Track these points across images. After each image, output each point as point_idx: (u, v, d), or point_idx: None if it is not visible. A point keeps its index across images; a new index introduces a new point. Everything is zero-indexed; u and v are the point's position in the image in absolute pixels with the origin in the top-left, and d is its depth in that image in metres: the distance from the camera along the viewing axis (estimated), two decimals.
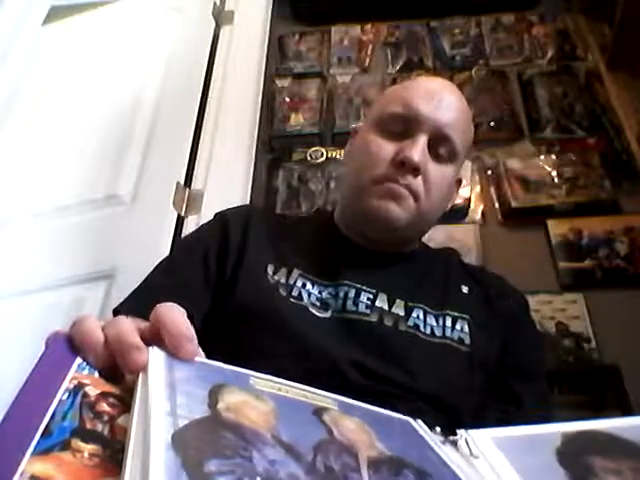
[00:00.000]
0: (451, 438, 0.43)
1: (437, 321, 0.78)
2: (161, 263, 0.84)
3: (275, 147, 1.65)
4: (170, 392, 0.32)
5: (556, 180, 1.46)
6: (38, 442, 0.29)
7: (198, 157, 1.54)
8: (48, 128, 1.70)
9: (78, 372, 0.35)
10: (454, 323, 0.78)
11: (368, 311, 0.76)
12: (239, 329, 0.74)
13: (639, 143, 1.47)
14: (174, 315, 0.38)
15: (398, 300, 0.78)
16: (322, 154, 1.60)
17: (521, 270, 1.28)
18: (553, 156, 1.50)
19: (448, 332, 0.77)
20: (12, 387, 0.31)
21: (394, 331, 0.75)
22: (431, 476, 0.36)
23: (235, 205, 0.97)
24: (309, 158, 1.60)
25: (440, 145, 0.79)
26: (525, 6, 1.83)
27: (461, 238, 1.39)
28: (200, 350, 0.40)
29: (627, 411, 1.15)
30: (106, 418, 0.33)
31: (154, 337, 0.37)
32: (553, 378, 1.18)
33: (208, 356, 0.41)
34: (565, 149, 1.51)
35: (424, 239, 0.93)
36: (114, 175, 1.52)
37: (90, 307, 1.31)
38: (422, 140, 0.78)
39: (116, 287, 1.31)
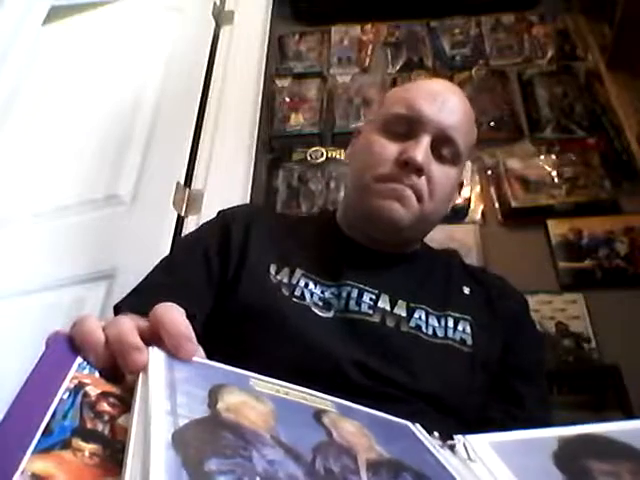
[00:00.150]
0: (449, 442, 0.43)
1: (439, 322, 0.78)
2: (163, 261, 0.84)
3: (275, 147, 1.65)
4: (170, 392, 0.33)
5: (556, 180, 1.46)
6: (39, 441, 0.29)
7: (198, 157, 1.54)
8: (48, 128, 1.70)
9: (78, 372, 0.35)
10: (456, 324, 0.79)
11: (371, 311, 0.76)
12: (242, 328, 0.74)
13: (639, 143, 1.47)
14: (173, 315, 0.38)
15: (400, 301, 0.78)
16: (322, 154, 1.60)
17: (521, 270, 1.28)
18: (553, 156, 1.50)
19: (450, 333, 0.77)
20: (12, 387, 0.31)
21: (396, 332, 0.75)
22: (430, 479, 0.36)
23: (235, 205, 0.97)
24: (309, 158, 1.60)
25: (443, 146, 0.79)
26: (525, 6, 1.83)
27: (461, 238, 1.39)
28: (200, 349, 0.40)
29: (627, 411, 1.15)
30: (106, 418, 0.33)
31: (153, 337, 0.38)
32: (553, 378, 1.18)
33: (211, 355, 0.41)
34: (565, 149, 1.51)
35: (425, 239, 0.93)
36: (114, 175, 1.52)
37: (90, 307, 1.31)
38: (425, 141, 0.78)
39: (116, 287, 1.31)
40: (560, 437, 0.41)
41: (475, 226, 1.43)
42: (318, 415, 0.38)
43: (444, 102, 0.80)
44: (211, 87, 1.67)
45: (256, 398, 0.37)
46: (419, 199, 0.78)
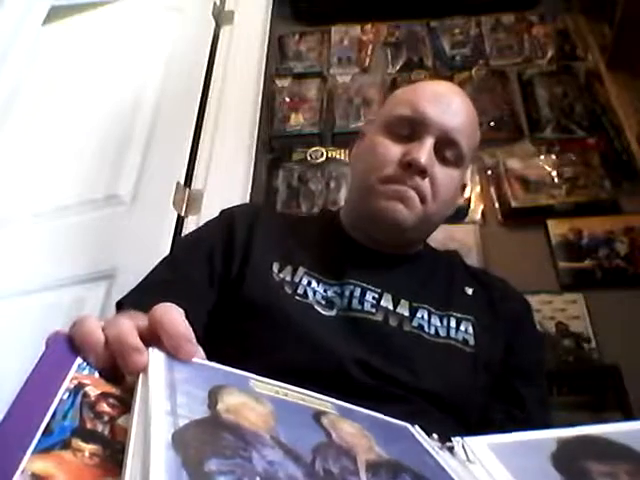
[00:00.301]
0: (448, 444, 0.43)
1: (441, 322, 0.78)
2: (166, 259, 0.85)
3: (275, 147, 1.65)
4: (170, 392, 0.33)
5: (556, 180, 1.46)
6: (39, 440, 0.29)
7: (198, 157, 1.54)
8: (48, 128, 1.70)
9: (78, 372, 0.35)
10: (458, 324, 0.79)
11: (374, 310, 0.76)
12: (244, 326, 0.74)
13: (639, 143, 1.47)
14: (172, 315, 0.38)
15: (403, 300, 0.78)
16: (322, 154, 1.60)
17: (521, 270, 1.28)
18: (553, 156, 1.50)
19: (452, 333, 0.78)
20: (12, 387, 0.31)
21: (399, 331, 0.75)
22: None
23: (237, 204, 0.97)
24: (309, 158, 1.60)
25: (447, 149, 0.80)
26: (525, 6, 1.83)
27: (461, 238, 1.39)
28: (200, 350, 0.40)
29: (627, 411, 1.15)
30: (106, 418, 0.33)
31: (153, 337, 0.37)
32: (553, 378, 1.18)
33: (211, 354, 0.41)
34: (565, 149, 1.51)
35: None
36: (114, 175, 1.52)
37: (90, 307, 1.31)
38: (429, 143, 0.78)
39: (116, 287, 1.31)
40: (558, 438, 0.41)
41: (475, 226, 1.43)
42: (317, 416, 0.38)
43: (448, 104, 0.81)
44: (211, 87, 1.67)
45: (256, 399, 0.37)
46: (422, 200, 0.78)
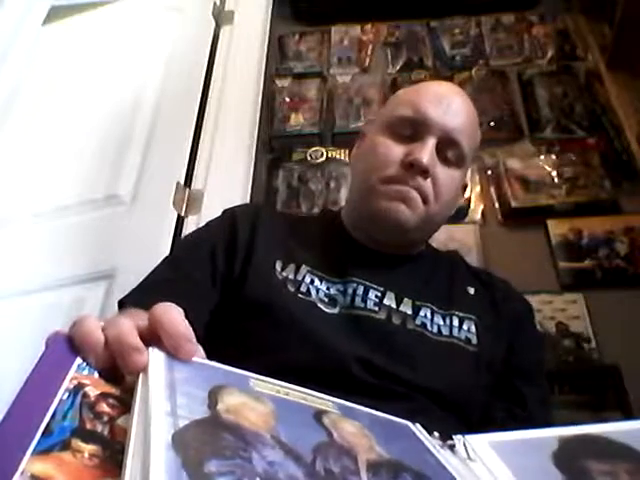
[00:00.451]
0: (449, 442, 0.43)
1: (444, 320, 0.79)
2: (167, 258, 0.85)
3: (275, 147, 1.65)
4: (170, 393, 0.32)
5: (556, 180, 1.46)
6: (39, 441, 0.29)
7: (198, 157, 1.54)
8: (48, 128, 1.70)
9: (78, 372, 0.35)
10: (461, 323, 0.79)
11: (376, 308, 0.76)
12: (247, 325, 0.74)
13: (639, 143, 1.47)
14: (172, 315, 0.38)
15: (406, 299, 0.79)
16: (322, 154, 1.60)
17: (521, 270, 1.28)
18: (553, 156, 1.50)
19: (455, 332, 0.78)
20: (12, 387, 0.31)
21: (402, 329, 0.76)
22: (430, 479, 0.36)
23: (235, 205, 0.97)
24: (309, 158, 1.60)
25: (448, 149, 0.80)
26: (525, 6, 1.83)
27: (461, 238, 1.39)
28: (200, 349, 0.40)
29: (627, 411, 1.15)
30: (106, 419, 0.33)
31: (153, 337, 0.37)
32: (553, 378, 1.18)
33: (211, 354, 0.41)
34: (565, 149, 1.51)
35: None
36: (114, 175, 1.52)
37: (90, 307, 1.31)
38: (431, 143, 0.78)
39: (116, 287, 1.31)
40: (559, 437, 0.41)
41: (475, 226, 1.43)
42: (318, 415, 0.38)
43: (449, 104, 0.81)
44: (211, 87, 1.67)
45: (256, 399, 0.37)
46: (424, 201, 0.78)
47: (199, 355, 0.39)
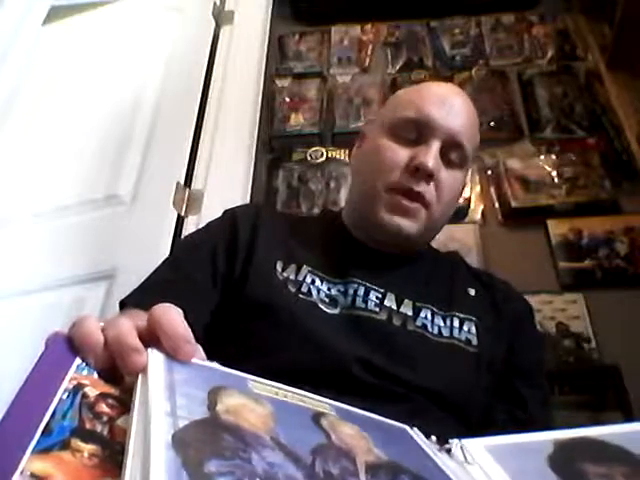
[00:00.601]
0: (446, 446, 0.43)
1: (444, 321, 0.79)
2: (168, 259, 0.85)
3: (275, 147, 1.65)
4: (169, 393, 0.32)
5: (556, 180, 1.46)
6: (38, 440, 0.29)
7: (198, 157, 1.54)
8: (48, 128, 1.70)
9: (77, 373, 0.35)
10: (461, 324, 0.79)
11: (377, 309, 0.76)
12: (247, 325, 0.74)
13: (639, 143, 1.47)
14: (171, 316, 0.38)
15: (406, 300, 0.79)
16: (322, 154, 1.60)
17: (521, 270, 1.28)
18: (553, 156, 1.50)
19: (456, 333, 0.78)
20: (12, 387, 0.31)
21: (402, 330, 0.76)
22: None
23: (235, 205, 0.97)
24: (309, 158, 1.60)
25: (452, 151, 0.80)
26: (525, 6, 1.83)
27: (461, 238, 1.39)
28: (200, 350, 0.40)
29: (627, 411, 1.15)
30: (105, 419, 0.33)
31: (152, 338, 0.37)
32: (553, 378, 1.18)
33: (216, 352, 0.41)
34: (565, 149, 1.51)
35: None
36: (114, 175, 1.52)
37: (90, 307, 1.31)
38: (435, 146, 0.78)
39: (116, 287, 1.31)
40: (555, 440, 0.41)
41: (475, 226, 1.43)
42: (317, 418, 0.38)
43: (452, 106, 0.81)
44: (211, 87, 1.67)
45: (255, 400, 0.37)
46: (427, 207, 0.78)
47: (198, 356, 0.39)
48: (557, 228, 1.40)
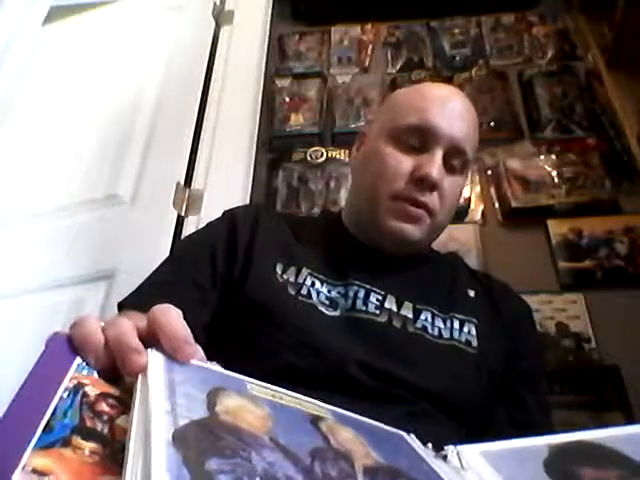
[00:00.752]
0: (442, 453, 0.43)
1: (445, 323, 0.78)
2: (167, 259, 0.85)
3: (275, 147, 1.65)
4: (169, 393, 0.33)
5: (556, 180, 1.46)
6: (40, 437, 0.29)
7: (198, 157, 1.54)
8: (48, 128, 1.70)
9: (77, 372, 0.35)
10: (461, 326, 0.79)
11: (377, 312, 0.76)
12: (247, 327, 0.74)
13: (639, 143, 1.47)
14: (170, 317, 0.38)
15: (407, 302, 0.79)
16: (322, 154, 1.60)
17: (521, 270, 1.28)
18: (553, 156, 1.50)
19: (456, 334, 0.78)
20: (12, 387, 0.31)
21: (403, 332, 0.76)
22: None
23: (235, 205, 0.97)
24: (309, 158, 1.60)
25: (454, 158, 0.80)
26: (525, 6, 1.83)
27: (461, 238, 1.39)
28: (199, 350, 0.40)
29: (627, 411, 1.15)
30: (106, 418, 0.33)
31: (152, 338, 0.38)
32: (553, 378, 1.18)
33: (215, 352, 0.41)
34: (565, 149, 1.51)
35: None
36: (114, 175, 1.52)
37: (90, 307, 1.31)
38: (439, 155, 0.78)
39: (116, 287, 1.31)
40: (550, 445, 0.41)
41: (475, 226, 1.43)
42: (315, 421, 0.39)
43: (453, 110, 0.81)
44: (211, 87, 1.67)
45: (254, 402, 0.37)
46: (430, 215, 0.79)
47: (198, 357, 0.39)
48: (557, 228, 1.40)
